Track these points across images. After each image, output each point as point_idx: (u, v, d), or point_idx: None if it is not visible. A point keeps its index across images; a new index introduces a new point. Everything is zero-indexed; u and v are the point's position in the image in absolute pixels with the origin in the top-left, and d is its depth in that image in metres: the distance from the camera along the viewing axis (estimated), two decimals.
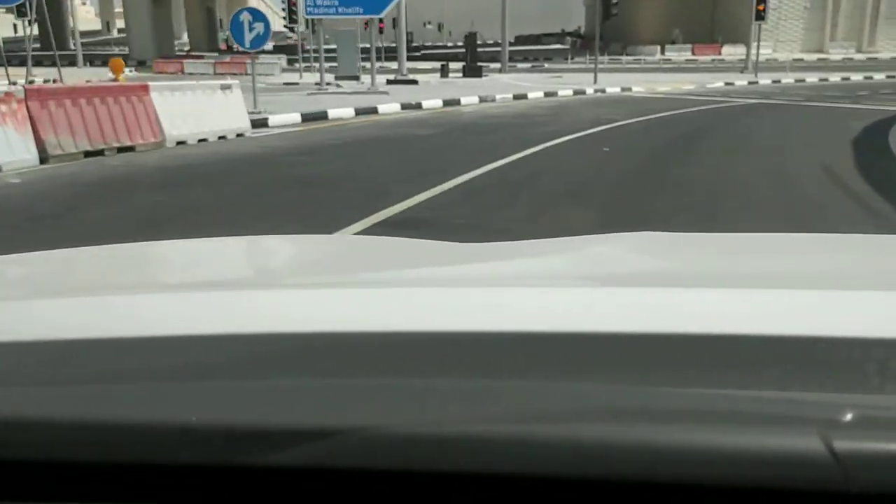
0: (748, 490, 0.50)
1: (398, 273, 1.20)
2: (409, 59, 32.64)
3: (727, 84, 28.00)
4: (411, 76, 28.44)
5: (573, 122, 14.75)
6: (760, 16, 30.98)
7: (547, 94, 22.66)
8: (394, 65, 32.39)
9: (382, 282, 1.06)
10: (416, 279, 1.09)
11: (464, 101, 20.04)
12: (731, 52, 51.05)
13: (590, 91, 24.24)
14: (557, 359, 0.63)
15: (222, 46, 64.69)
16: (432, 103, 19.16)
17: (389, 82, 26.57)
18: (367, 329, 0.69)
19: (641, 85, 26.31)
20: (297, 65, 33.38)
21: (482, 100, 20.53)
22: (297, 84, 26.86)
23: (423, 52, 59.02)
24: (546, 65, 46.08)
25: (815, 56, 50.26)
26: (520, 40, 71.38)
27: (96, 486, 0.57)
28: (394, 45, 34.02)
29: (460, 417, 0.54)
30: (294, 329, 0.70)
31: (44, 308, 0.83)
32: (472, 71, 31.48)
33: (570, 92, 23.58)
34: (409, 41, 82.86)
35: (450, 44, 70.21)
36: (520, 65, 45.42)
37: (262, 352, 0.67)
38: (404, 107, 18.15)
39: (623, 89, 24.97)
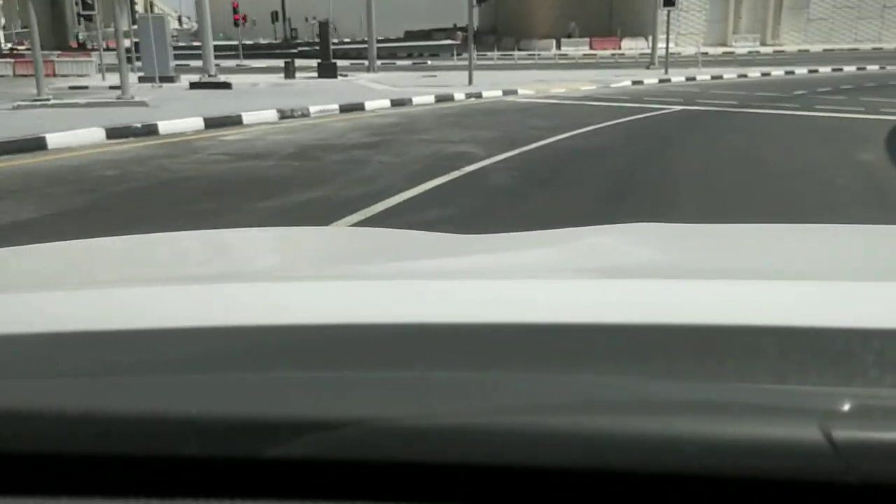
0: (748, 481, 0.51)
1: (398, 265, 1.19)
2: (276, 56, 27.28)
3: (635, 83, 22.87)
4: (228, 77, 22.30)
5: (382, 170, 8.35)
6: (671, 0, 26.06)
7: (395, 104, 16.71)
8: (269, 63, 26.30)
9: (382, 274, 1.07)
10: (415, 271, 1.09)
11: (249, 117, 13.47)
12: (632, 45, 46.97)
13: (459, 96, 18.49)
14: (556, 350, 0.63)
15: (73, 44, 57.21)
16: (185, 125, 12.42)
17: (193, 85, 20.51)
18: (367, 321, 0.69)
19: (530, 86, 20.81)
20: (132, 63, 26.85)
21: (283, 115, 14.23)
22: (85, 88, 20.56)
23: (300, 49, 53.15)
24: (430, 62, 40.88)
25: (719, 49, 46.61)
26: (410, 36, 66.40)
27: (98, 479, 0.57)
28: (276, 40, 27.85)
29: (460, 409, 0.55)
30: (295, 321, 0.70)
31: (45, 300, 0.83)
32: (325, 70, 25.31)
33: (430, 98, 17.72)
34: (292, 37, 76.99)
35: (335, 40, 65.02)
36: (401, 62, 40.25)
37: (262, 344, 0.67)
38: (117, 135, 11.31)
39: (505, 92, 19.47)
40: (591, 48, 47.84)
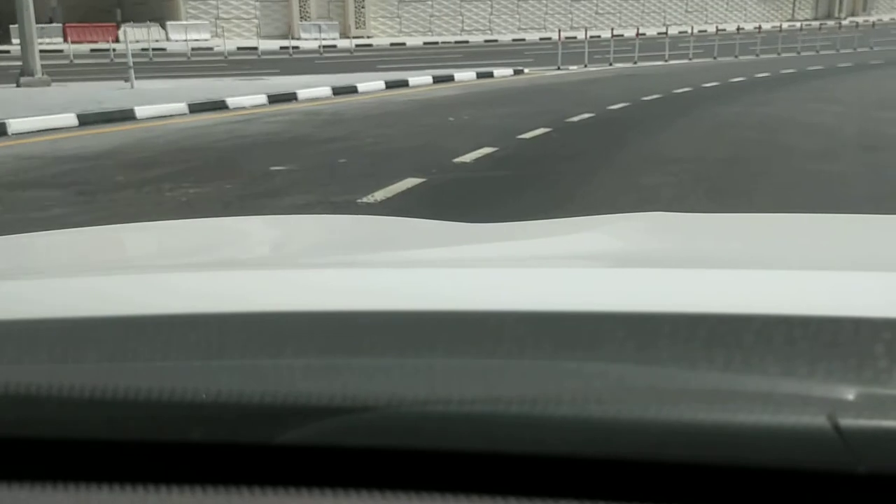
0: (755, 470, 0.51)
1: (406, 253, 1.18)
2: None
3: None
4: None
5: None
6: None
7: None
8: None
9: (389, 262, 1.07)
10: (423, 259, 1.08)
11: None
12: (140, 36, 28.27)
13: None
14: (564, 338, 0.63)
15: None
16: None
17: None
18: (374, 308, 0.68)
19: None
20: None
21: None
22: None
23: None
24: None
25: (277, 43, 30.29)
26: None
27: (108, 464, 0.57)
28: None
29: (467, 396, 0.55)
30: (302, 308, 0.70)
31: (56, 286, 0.83)
32: None
33: None
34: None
35: None
36: None
37: (269, 331, 0.66)
38: None
39: None
40: (68, 40, 28.49)
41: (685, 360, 0.59)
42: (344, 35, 35.18)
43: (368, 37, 36.23)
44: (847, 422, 0.50)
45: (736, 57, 25.36)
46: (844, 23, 39.25)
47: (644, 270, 0.84)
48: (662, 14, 43.63)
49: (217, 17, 33.48)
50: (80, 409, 0.57)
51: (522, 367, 0.59)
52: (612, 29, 26.97)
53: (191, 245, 1.31)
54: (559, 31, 23.82)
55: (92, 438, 0.58)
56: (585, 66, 21.73)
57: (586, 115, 11.08)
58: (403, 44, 34.27)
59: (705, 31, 36.44)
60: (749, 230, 1.28)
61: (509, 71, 19.03)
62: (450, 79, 17.04)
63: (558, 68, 20.86)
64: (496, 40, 36.91)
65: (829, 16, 46.83)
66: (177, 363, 0.63)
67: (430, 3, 39.12)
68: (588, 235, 1.22)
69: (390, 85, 15.30)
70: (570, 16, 42.06)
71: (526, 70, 19.92)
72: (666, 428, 0.52)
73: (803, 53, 26.96)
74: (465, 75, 17.58)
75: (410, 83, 15.73)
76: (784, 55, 26.48)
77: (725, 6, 46.61)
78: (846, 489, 0.50)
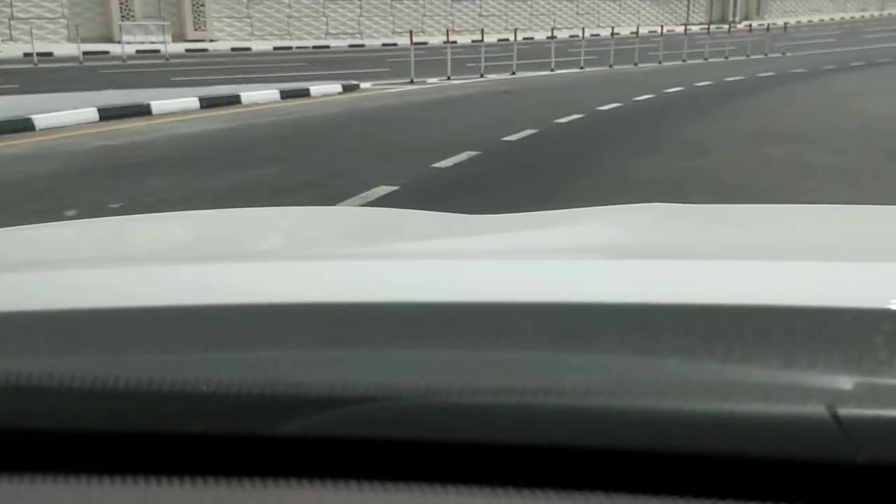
0: (755, 462, 0.51)
1: (407, 244, 1.17)
2: None
3: None
4: None
5: None
6: None
7: None
8: None
9: (390, 253, 1.06)
10: (423, 251, 1.07)
11: None
12: None
13: None
14: (565, 330, 0.63)
15: None
16: None
17: None
18: (374, 300, 0.68)
19: None
20: None
21: None
22: None
23: None
24: None
25: (95, 47, 24.32)
26: None
27: (108, 456, 0.57)
28: None
29: (468, 388, 0.55)
30: (303, 300, 0.69)
31: (57, 278, 0.82)
32: None
33: None
34: None
35: None
36: None
37: (270, 322, 0.66)
38: None
39: None
40: None
41: (685, 352, 0.58)
42: (181, 38, 29.39)
43: (212, 40, 30.53)
44: (847, 412, 0.50)
45: (636, 65, 21.09)
46: (739, 26, 36.43)
47: (644, 262, 0.83)
48: (552, 17, 39.34)
49: (11, 17, 27.17)
50: (81, 401, 0.57)
51: (523, 359, 0.59)
52: (482, 31, 22.20)
53: (190, 237, 1.30)
54: (411, 33, 18.81)
55: (92, 430, 0.58)
56: (448, 78, 16.83)
57: (381, 190, 5.94)
58: (249, 49, 28.84)
59: (598, 34, 32.58)
60: (749, 221, 1.25)
61: (336, 87, 13.96)
62: (234, 101, 11.80)
63: (411, 81, 15.94)
64: (363, 45, 31.86)
65: (723, 19, 44.09)
66: (177, 355, 0.63)
67: (287, 1, 33.68)
68: (588, 227, 1.22)
69: (116, 114, 9.94)
70: (450, 17, 37.28)
71: (366, 85, 14.93)
72: (666, 419, 0.52)
73: (710, 59, 22.94)
74: (265, 95, 12.39)
75: (154, 110, 10.38)
76: (690, 62, 22.35)
77: (618, 9, 42.80)
78: (845, 480, 0.50)
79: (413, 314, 0.67)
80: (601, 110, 11.00)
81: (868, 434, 0.50)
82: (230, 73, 17.27)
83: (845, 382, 0.53)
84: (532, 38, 21.22)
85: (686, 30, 25.40)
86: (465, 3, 38.15)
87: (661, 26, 27.31)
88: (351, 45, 31.66)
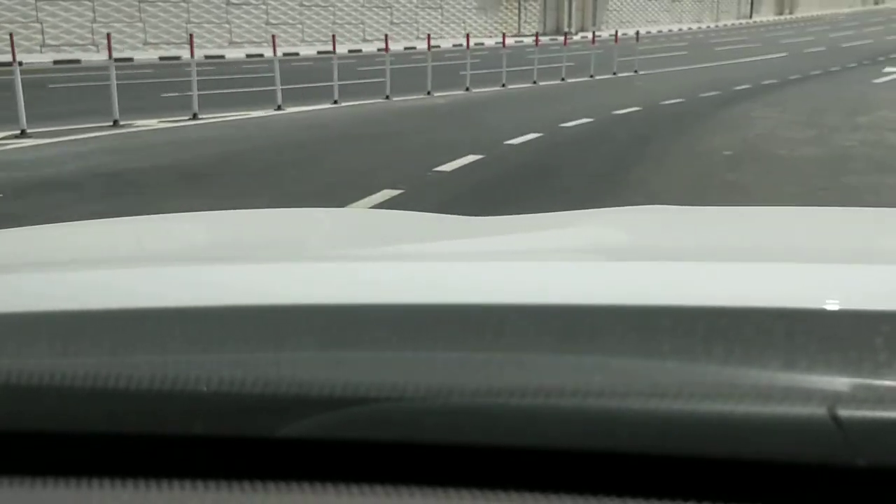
0: (755, 464, 0.51)
1: (408, 247, 1.18)
2: None
3: None
4: None
5: None
6: None
7: None
8: None
9: (391, 255, 1.07)
10: (425, 252, 1.08)
11: None
12: None
13: None
14: (565, 332, 0.63)
15: None
16: None
17: None
18: (376, 301, 0.69)
19: None
20: None
21: None
22: None
23: None
24: None
25: None
26: None
27: (108, 457, 0.57)
28: None
29: (469, 389, 0.55)
30: (304, 301, 0.69)
31: (57, 279, 0.83)
32: None
33: None
34: None
35: None
36: None
37: (270, 324, 0.66)
38: None
39: None
40: None
41: (685, 354, 0.59)
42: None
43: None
44: (846, 414, 0.50)
45: (468, 90, 15.18)
46: (576, 38, 31.90)
47: (644, 264, 0.83)
48: (361, 26, 33.21)
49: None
50: (81, 402, 0.57)
51: (523, 361, 0.59)
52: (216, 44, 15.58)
53: (190, 238, 1.30)
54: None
55: (92, 431, 0.58)
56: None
57: None
58: (131, 59, 21.26)
59: (414, 47, 26.80)
60: (749, 223, 1.27)
61: None
62: None
63: None
64: (223, 56, 24.29)
65: (557, 30, 39.70)
66: (178, 356, 0.62)
67: (185, 4, 25.72)
68: (588, 229, 1.22)
69: None
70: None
71: None
72: (666, 421, 0.52)
73: (540, 82, 17.26)
74: None
75: None
76: (512, 87, 16.46)
77: (440, 18, 37.24)
78: (845, 481, 0.50)
79: (414, 316, 0.66)
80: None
81: (868, 436, 0.50)
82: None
83: (845, 384, 0.53)
84: (329, 52, 15.81)
85: (503, 43, 19.54)
86: (245, 7, 31.32)
87: (484, 40, 21.73)
88: (206, 56, 24.24)
